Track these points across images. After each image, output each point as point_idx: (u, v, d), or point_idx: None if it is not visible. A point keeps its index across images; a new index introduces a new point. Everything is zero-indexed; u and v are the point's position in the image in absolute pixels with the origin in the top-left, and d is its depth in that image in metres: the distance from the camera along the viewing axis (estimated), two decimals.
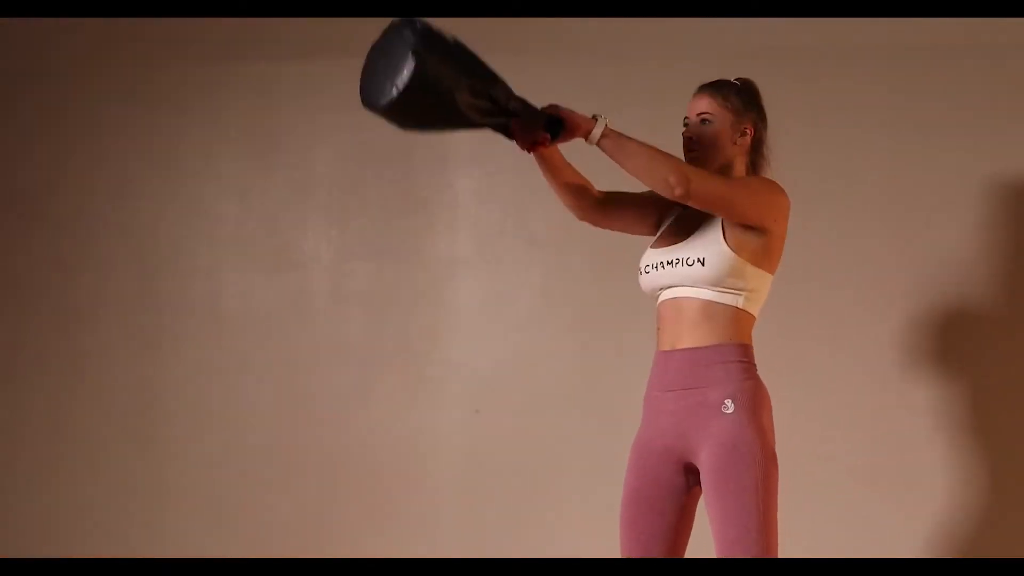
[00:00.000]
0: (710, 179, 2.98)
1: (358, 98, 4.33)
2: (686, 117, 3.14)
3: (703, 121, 3.10)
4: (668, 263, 3.08)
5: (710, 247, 3.03)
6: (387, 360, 4.31)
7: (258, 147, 4.41)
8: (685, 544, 3.15)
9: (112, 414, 4.40)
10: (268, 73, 4.40)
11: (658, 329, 3.14)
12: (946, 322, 4.17)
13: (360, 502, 4.30)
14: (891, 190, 4.19)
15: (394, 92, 2.88)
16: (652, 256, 3.14)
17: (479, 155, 4.33)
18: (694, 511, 3.16)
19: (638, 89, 4.27)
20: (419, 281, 4.33)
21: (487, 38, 4.23)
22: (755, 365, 3.07)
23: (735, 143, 3.12)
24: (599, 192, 3.26)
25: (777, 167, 4.25)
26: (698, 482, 3.09)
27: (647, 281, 3.14)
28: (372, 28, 4.27)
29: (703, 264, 3.01)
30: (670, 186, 2.92)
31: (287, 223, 4.39)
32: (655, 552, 3.09)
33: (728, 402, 2.99)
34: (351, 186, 4.38)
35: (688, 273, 3.03)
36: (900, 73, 4.22)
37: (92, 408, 4.41)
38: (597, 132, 2.91)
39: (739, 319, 3.04)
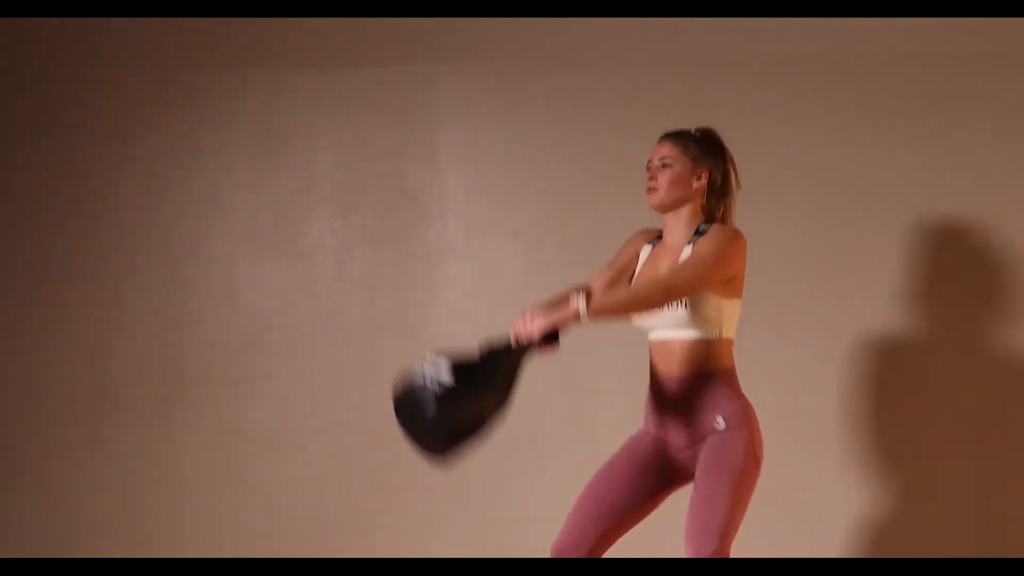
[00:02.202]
0: (682, 277, 3.09)
1: (357, 103, 4.39)
2: (649, 160, 3.31)
3: (664, 165, 3.28)
4: None
5: None
6: (384, 336, 4.35)
7: (268, 147, 4.45)
8: (633, 524, 3.25)
9: (139, 383, 4.43)
10: (277, 81, 4.43)
11: (650, 363, 3.30)
12: (937, 325, 4.19)
13: (361, 473, 4.36)
14: (879, 194, 4.21)
15: (448, 452, 2.99)
16: None
17: (467, 153, 4.37)
18: (657, 504, 3.29)
19: (638, 90, 4.31)
20: (412, 267, 4.39)
21: (488, 39, 4.35)
22: (738, 383, 3.22)
23: (692, 186, 3.30)
24: (608, 283, 3.39)
25: (766, 171, 4.19)
26: (673, 480, 3.26)
27: (639, 320, 3.27)
28: (371, 36, 4.34)
29: (685, 306, 3.17)
30: (662, 305, 3.09)
31: (295, 215, 4.43)
32: (605, 517, 3.20)
33: (719, 419, 3.17)
34: (352, 182, 4.42)
35: (671, 315, 3.19)
36: (888, 80, 4.22)
37: (123, 377, 4.44)
38: (583, 311, 2.99)
39: (720, 347, 3.20)
